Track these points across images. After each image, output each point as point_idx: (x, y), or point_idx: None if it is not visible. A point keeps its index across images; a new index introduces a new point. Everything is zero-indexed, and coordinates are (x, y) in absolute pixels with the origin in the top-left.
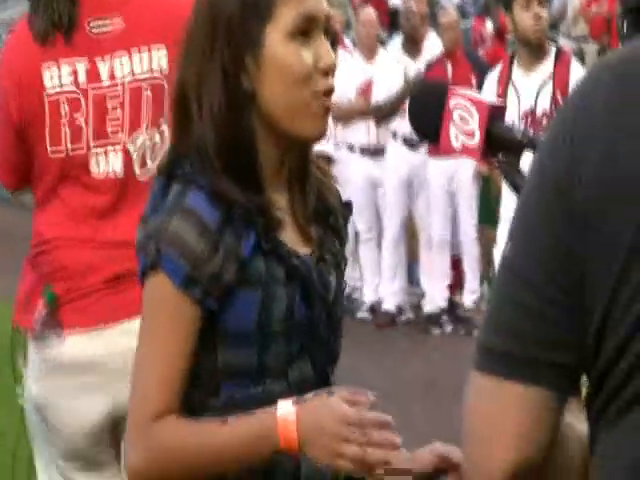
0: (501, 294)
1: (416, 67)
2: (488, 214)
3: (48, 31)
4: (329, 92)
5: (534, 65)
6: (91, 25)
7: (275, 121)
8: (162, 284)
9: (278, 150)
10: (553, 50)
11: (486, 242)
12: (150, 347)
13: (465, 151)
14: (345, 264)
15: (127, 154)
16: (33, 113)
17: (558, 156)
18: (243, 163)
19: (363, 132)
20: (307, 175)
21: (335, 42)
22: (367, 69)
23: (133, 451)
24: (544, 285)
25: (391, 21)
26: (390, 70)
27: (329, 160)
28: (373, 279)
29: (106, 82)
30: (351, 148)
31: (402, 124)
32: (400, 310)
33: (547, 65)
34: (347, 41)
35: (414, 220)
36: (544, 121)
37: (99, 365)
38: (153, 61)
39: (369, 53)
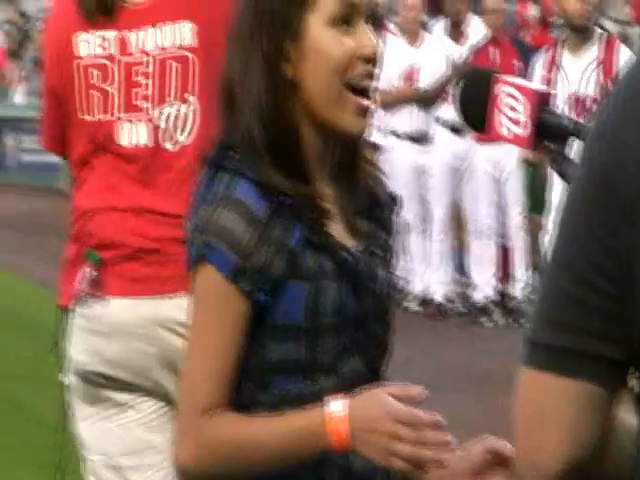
0: (548, 286)
1: (460, 51)
2: (536, 202)
3: (93, 8)
4: (369, 76)
5: (581, 49)
6: None
7: (316, 111)
8: (210, 276)
9: (323, 141)
10: (599, 34)
11: (534, 230)
12: (199, 339)
13: (514, 140)
14: (394, 257)
15: (154, 125)
16: (66, 79)
17: (605, 144)
18: (289, 154)
19: (407, 118)
20: (355, 168)
21: (379, 28)
22: (411, 54)
23: (182, 444)
24: (592, 276)
25: (435, 5)
26: (434, 55)
27: (374, 147)
28: (422, 269)
29: (136, 54)
30: (396, 135)
31: (447, 110)
32: (449, 300)
33: (593, 49)
34: (391, 26)
35: (462, 208)
36: (590, 105)
37: (141, 330)
38: (180, 35)
39: (413, 38)
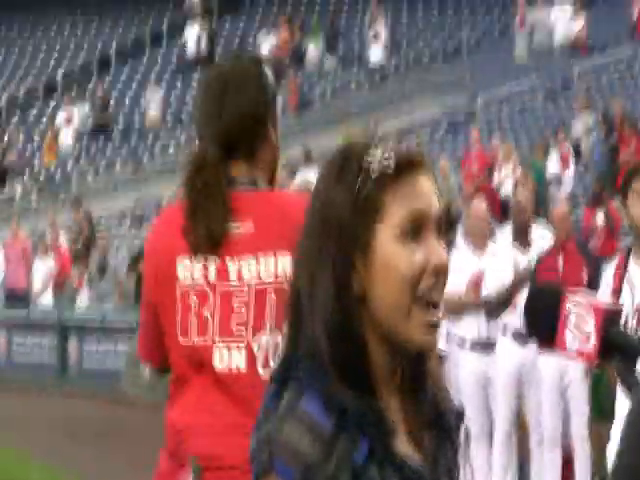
0: None
1: (526, 259)
2: (599, 410)
3: (201, 241)
4: (438, 290)
5: None
6: None
7: (384, 324)
8: None
9: (390, 354)
10: None
11: (598, 440)
12: None
13: (581, 355)
14: (457, 470)
15: (251, 352)
16: (167, 300)
17: None
18: (356, 368)
19: (474, 326)
20: (422, 381)
21: (449, 241)
22: (477, 261)
23: None
24: None
25: (500, 212)
26: (501, 262)
27: (440, 359)
28: None
29: (234, 282)
30: (462, 343)
31: (512, 318)
32: None
33: None
34: (458, 233)
35: (524, 417)
36: None
37: None
38: (279, 266)
39: (479, 245)
